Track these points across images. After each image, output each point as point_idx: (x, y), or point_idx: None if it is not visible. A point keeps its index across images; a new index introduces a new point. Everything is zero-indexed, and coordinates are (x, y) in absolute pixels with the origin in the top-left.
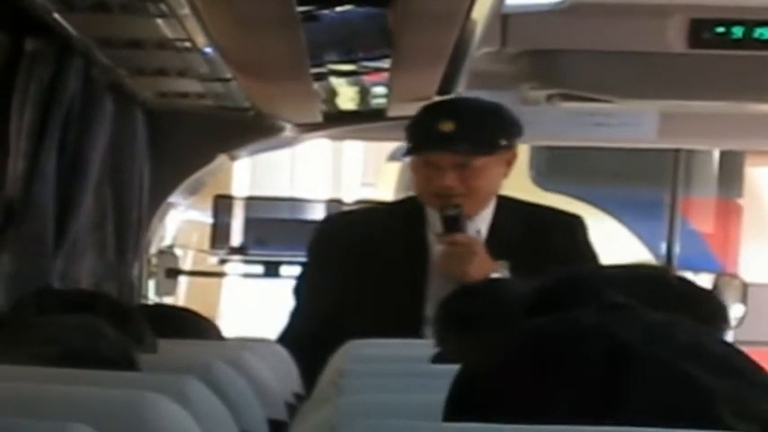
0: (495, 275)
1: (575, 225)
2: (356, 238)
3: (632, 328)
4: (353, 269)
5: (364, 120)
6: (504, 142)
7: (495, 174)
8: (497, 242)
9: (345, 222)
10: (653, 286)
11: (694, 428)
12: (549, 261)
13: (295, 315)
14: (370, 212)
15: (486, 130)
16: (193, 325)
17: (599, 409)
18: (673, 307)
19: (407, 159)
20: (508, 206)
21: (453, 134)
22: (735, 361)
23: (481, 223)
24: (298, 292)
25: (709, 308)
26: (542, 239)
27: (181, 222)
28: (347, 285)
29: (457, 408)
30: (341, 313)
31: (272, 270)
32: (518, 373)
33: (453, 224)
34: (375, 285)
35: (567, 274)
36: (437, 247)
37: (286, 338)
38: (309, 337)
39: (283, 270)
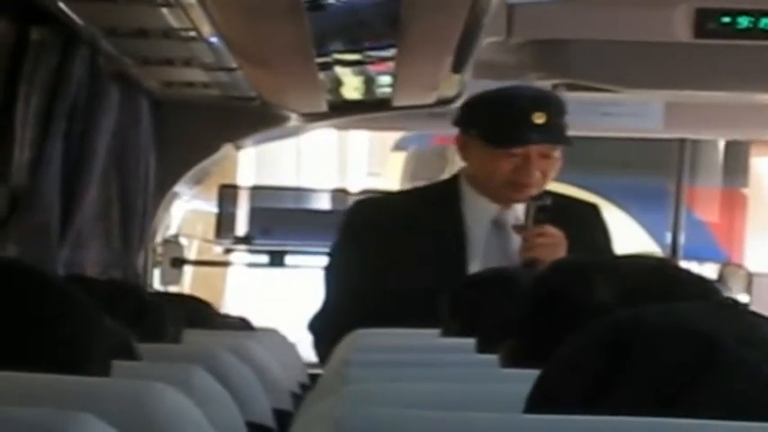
0: None
1: (594, 216)
2: (392, 219)
3: (727, 328)
4: (391, 249)
5: (369, 109)
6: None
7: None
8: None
9: (380, 205)
10: (658, 278)
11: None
12: (571, 251)
13: (329, 299)
14: (403, 195)
15: (564, 120)
16: (201, 314)
17: (678, 405)
18: (682, 299)
19: (410, 148)
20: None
21: (546, 126)
22: None
23: (517, 212)
24: (329, 276)
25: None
26: (565, 230)
27: (186, 212)
28: (386, 265)
29: (541, 399)
30: (378, 293)
31: (277, 259)
32: (600, 368)
33: (544, 215)
34: (414, 266)
35: (568, 266)
36: (486, 234)
37: (321, 322)
38: (348, 318)
39: (288, 259)
